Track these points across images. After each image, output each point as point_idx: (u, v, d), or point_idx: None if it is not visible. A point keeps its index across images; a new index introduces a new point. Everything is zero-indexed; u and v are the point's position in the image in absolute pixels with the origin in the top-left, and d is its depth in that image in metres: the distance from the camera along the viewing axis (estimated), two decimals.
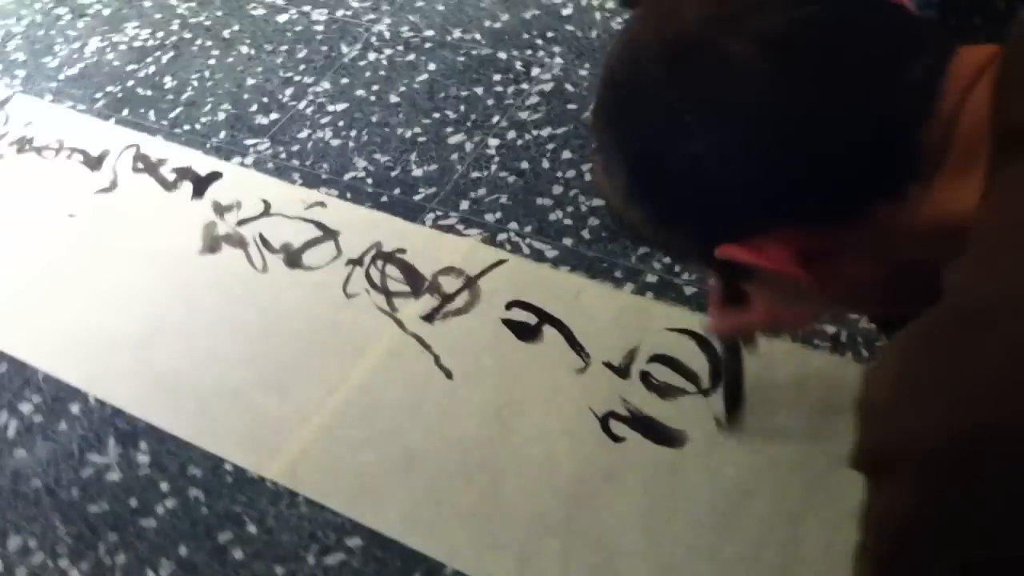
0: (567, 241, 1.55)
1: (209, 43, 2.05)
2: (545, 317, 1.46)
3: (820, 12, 0.66)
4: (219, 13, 2.12)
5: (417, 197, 1.67)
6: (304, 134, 1.82)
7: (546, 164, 1.68)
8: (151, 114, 1.91)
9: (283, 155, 1.79)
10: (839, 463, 1.24)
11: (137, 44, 2.08)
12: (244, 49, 2.02)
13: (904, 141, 0.64)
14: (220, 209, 1.70)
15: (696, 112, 0.67)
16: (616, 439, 1.32)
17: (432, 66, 1.91)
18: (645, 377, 1.37)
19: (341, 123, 1.83)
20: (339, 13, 2.07)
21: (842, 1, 0.68)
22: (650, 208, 0.73)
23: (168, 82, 1.98)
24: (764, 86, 0.65)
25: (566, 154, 1.69)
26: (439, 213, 1.64)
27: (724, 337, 1.25)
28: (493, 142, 1.73)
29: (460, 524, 1.27)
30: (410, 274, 1.56)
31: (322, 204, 1.69)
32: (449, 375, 1.43)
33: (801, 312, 1.09)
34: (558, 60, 1.87)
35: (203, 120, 1.89)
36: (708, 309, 1.15)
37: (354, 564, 1.25)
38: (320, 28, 2.04)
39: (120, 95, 1.97)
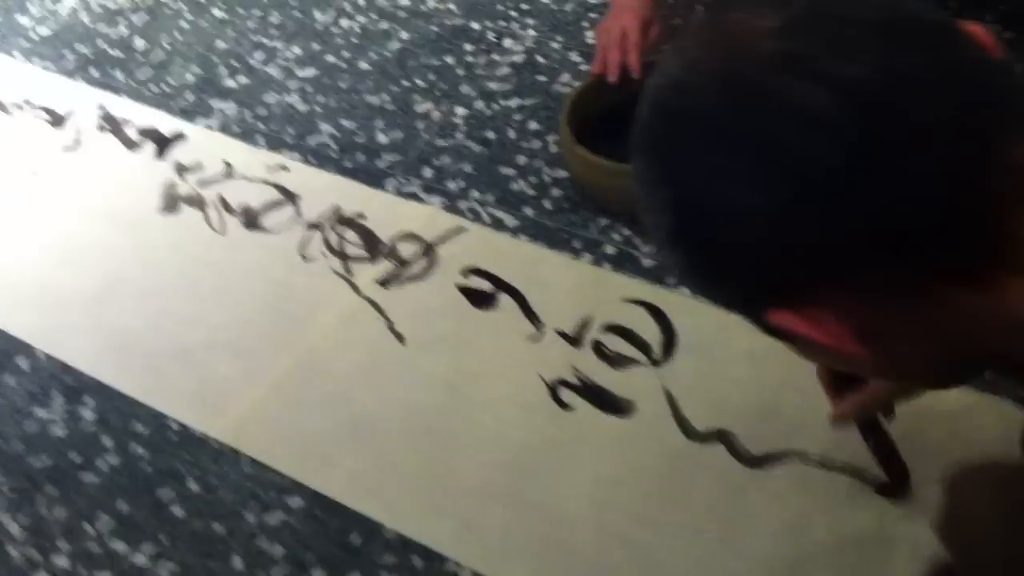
0: (528, 211, 1.54)
1: (183, 6, 2.03)
2: (501, 285, 1.45)
3: (913, 64, 0.59)
4: None
5: (380, 163, 1.66)
6: (272, 98, 1.80)
7: (512, 135, 1.66)
8: (120, 75, 1.90)
9: (249, 118, 1.77)
10: (786, 439, 1.24)
11: (112, 6, 2.06)
12: (217, 13, 2.00)
13: (987, 223, 0.59)
14: (182, 170, 1.69)
15: (759, 160, 0.60)
16: (565, 407, 1.31)
17: (405, 35, 1.89)
18: (597, 346, 1.36)
19: (309, 89, 1.81)
20: None
21: (942, 50, 0.60)
22: (695, 256, 0.67)
23: (139, 43, 1.96)
24: (839, 142, 0.57)
25: (533, 125, 1.67)
26: (401, 180, 1.62)
27: (858, 418, 1.10)
28: (460, 111, 1.72)
29: (404, 488, 1.26)
30: (368, 239, 1.54)
31: (284, 168, 1.67)
32: (402, 340, 1.41)
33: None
34: (531, 32, 1.85)
35: (171, 82, 1.87)
36: (829, 398, 1.05)
37: (293, 524, 1.24)
38: None
39: (91, 55, 1.95)
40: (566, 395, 1.32)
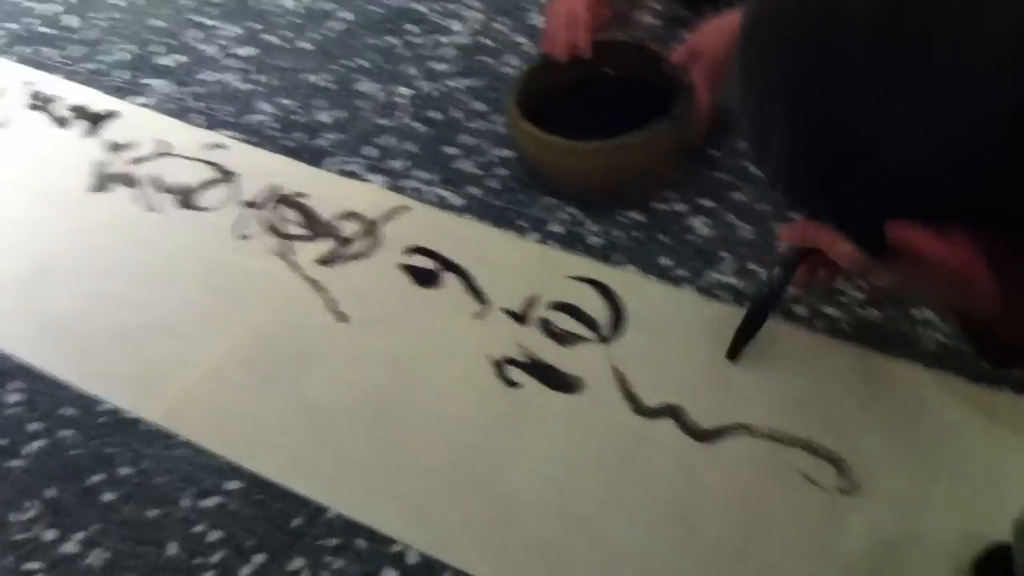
0: (473, 190, 1.51)
1: None
2: (445, 263, 1.42)
3: None
4: None
5: (321, 142, 1.62)
6: (209, 77, 1.76)
7: (457, 115, 1.63)
8: (51, 53, 1.84)
9: (185, 97, 1.72)
10: (736, 413, 1.22)
11: None
12: None
13: None
14: (114, 148, 1.63)
15: (912, 57, 0.52)
16: (512, 385, 1.28)
17: (348, 15, 1.85)
18: (544, 324, 1.33)
19: (249, 68, 1.77)
20: None
21: None
22: (818, 171, 0.61)
23: (72, 21, 1.90)
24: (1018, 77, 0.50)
25: (479, 106, 1.64)
26: (343, 159, 1.58)
27: (790, 254, 1.09)
28: (404, 91, 1.68)
29: (347, 470, 1.22)
30: (309, 218, 1.50)
31: (222, 146, 1.62)
32: (344, 319, 1.38)
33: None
34: (477, 14, 1.82)
35: (104, 60, 1.81)
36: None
37: (231, 507, 1.20)
38: None
39: (22, 33, 1.89)
40: (513, 373, 1.29)
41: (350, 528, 1.17)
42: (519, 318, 1.34)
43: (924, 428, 1.18)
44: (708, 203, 1.44)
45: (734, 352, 1.25)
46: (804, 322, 1.28)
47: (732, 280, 1.34)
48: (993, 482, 1.12)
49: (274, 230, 1.49)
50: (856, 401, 1.21)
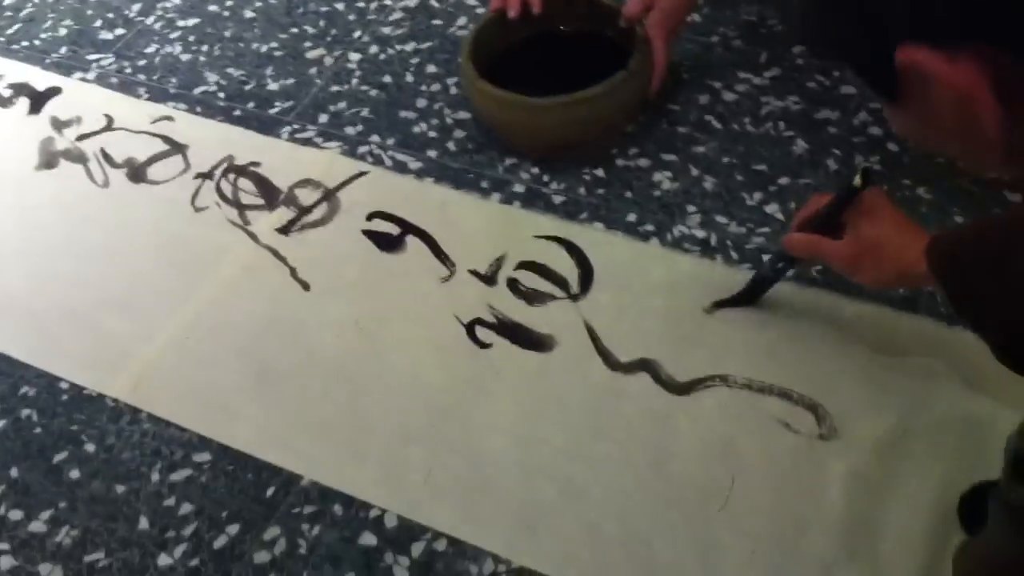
0: (432, 153, 1.49)
1: None
2: (408, 227, 1.39)
3: None
4: None
5: (273, 111, 1.58)
6: (152, 49, 1.71)
7: (410, 78, 1.61)
8: None
9: (128, 70, 1.67)
10: (710, 365, 1.21)
11: None
12: None
13: None
14: (59, 124, 1.58)
15: None
16: (483, 345, 1.26)
17: None
18: (512, 284, 1.31)
19: (192, 38, 1.72)
20: None
21: None
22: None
23: None
24: None
25: (431, 68, 1.62)
26: (296, 127, 1.55)
27: (793, 253, 1.14)
28: (354, 56, 1.65)
29: (318, 436, 1.20)
30: (264, 187, 1.47)
31: (169, 118, 1.58)
32: (306, 287, 1.35)
33: (889, 263, 1.03)
34: None
35: (43, 36, 1.76)
36: (794, 225, 1.13)
37: (202, 479, 1.17)
38: None
39: None
40: (483, 334, 1.27)
41: (326, 495, 1.15)
42: (487, 279, 1.32)
43: (900, 372, 1.18)
44: (670, 157, 1.43)
45: (718, 306, 1.26)
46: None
47: (699, 232, 1.33)
48: (972, 425, 1.12)
49: (229, 200, 1.46)
50: (831, 348, 1.21)
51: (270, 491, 1.16)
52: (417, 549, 1.10)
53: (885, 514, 1.07)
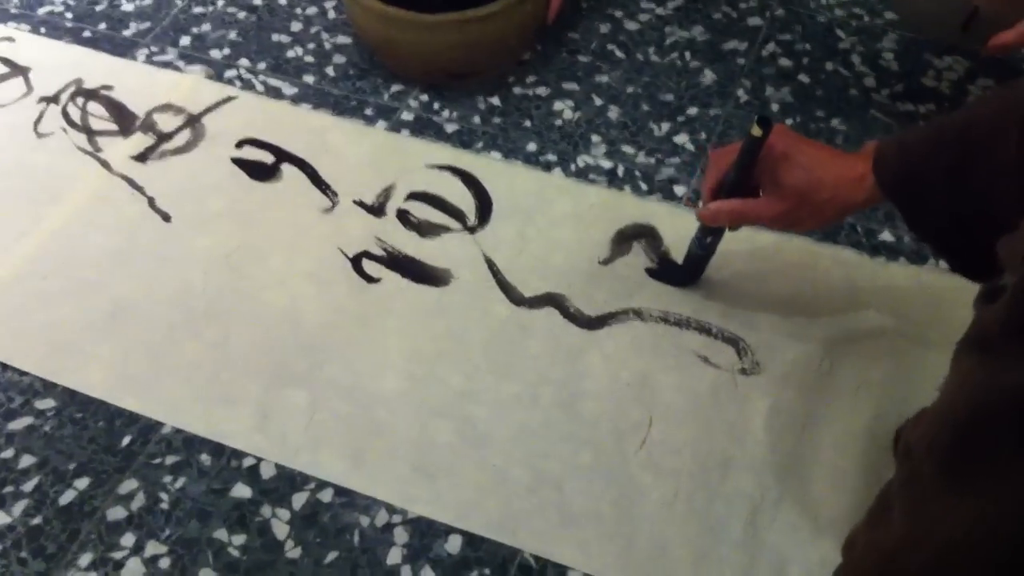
0: (308, 79, 1.35)
1: None
2: (284, 155, 1.25)
3: None
4: None
5: (127, 32, 1.41)
6: None
7: (282, 0, 1.46)
8: None
9: None
10: (622, 299, 1.12)
11: None
12: None
13: None
14: None
15: None
16: (371, 280, 1.13)
17: None
18: (403, 215, 1.19)
19: None
20: None
21: None
22: None
23: None
24: None
25: None
26: (154, 49, 1.39)
27: (715, 225, 1.03)
28: None
29: (183, 379, 1.05)
30: (118, 112, 1.30)
31: (10, 39, 1.40)
32: (167, 219, 1.19)
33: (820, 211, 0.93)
34: None
35: None
36: (703, 197, 1.00)
37: (46, 428, 1.00)
38: None
39: None
40: (371, 267, 1.14)
41: (191, 443, 1.00)
42: (374, 210, 1.20)
43: (822, 304, 1.10)
44: (571, 86, 1.32)
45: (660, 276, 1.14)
46: (687, 204, 1.19)
47: (605, 163, 1.23)
48: (900, 355, 1.06)
49: (77, 126, 1.29)
50: (751, 281, 1.12)
51: (125, 440, 1.00)
52: (299, 501, 0.97)
53: (814, 450, 0.99)
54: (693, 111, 1.29)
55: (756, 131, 0.91)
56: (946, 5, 1.23)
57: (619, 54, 1.36)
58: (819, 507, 0.95)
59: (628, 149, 1.24)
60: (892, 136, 0.88)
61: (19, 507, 0.95)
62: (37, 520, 0.94)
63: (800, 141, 0.94)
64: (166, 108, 1.31)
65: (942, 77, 1.33)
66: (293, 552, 0.93)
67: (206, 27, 1.42)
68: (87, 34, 1.41)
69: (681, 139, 1.26)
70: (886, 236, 1.15)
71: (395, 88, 1.33)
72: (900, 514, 0.55)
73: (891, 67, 1.34)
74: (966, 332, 0.54)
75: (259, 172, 1.24)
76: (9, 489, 0.96)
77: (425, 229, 1.18)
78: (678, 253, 1.13)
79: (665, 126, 1.27)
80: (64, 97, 1.32)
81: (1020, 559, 0.48)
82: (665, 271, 1.13)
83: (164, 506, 0.96)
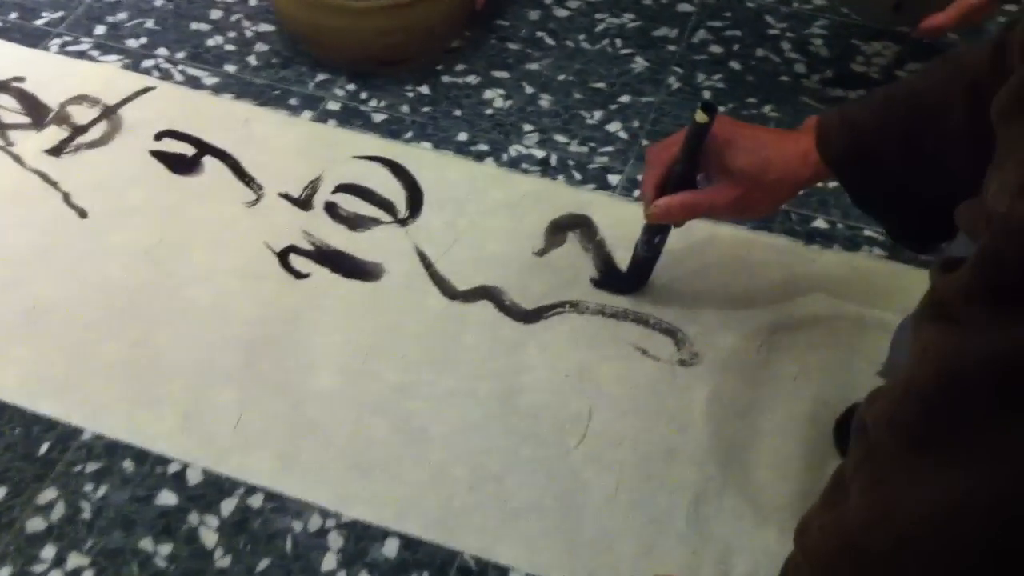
0: (230, 68, 1.30)
1: None
2: (205, 147, 1.21)
3: None
4: None
5: (39, 22, 1.36)
6: None
7: None
8: None
9: None
10: (558, 291, 1.09)
11: None
12: None
13: None
14: None
15: None
16: (299, 275, 1.09)
17: None
18: (331, 208, 1.15)
19: None
20: None
21: None
22: None
23: None
24: None
25: None
26: (68, 38, 1.33)
27: (666, 222, 1.00)
28: None
29: (103, 381, 1.00)
30: (30, 104, 1.25)
31: None
32: (83, 214, 1.14)
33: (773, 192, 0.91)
34: None
35: None
36: (647, 196, 0.96)
37: None
38: None
39: None
40: (298, 262, 1.10)
41: (113, 450, 0.96)
42: (301, 203, 1.16)
43: (759, 293, 1.09)
44: (502, 75, 1.30)
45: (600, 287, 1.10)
46: (622, 193, 1.17)
47: (538, 152, 1.21)
48: (839, 342, 1.05)
49: None
50: (687, 271, 1.10)
51: (44, 447, 0.96)
52: (228, 507, 0.93)
53: (755, 439, 0.98)
54: (625, 99, 1.27)
55: (701, 117, 0.89)
56: None
57: (549, 41, 1.34)
58: (762, 494, 0.94)
59: (561, 138, 1.22)
60: (832, 111, 0.87)
61: None
62: None
63: (741, 125, 0.93)
64: (81, 100, 1.26)
65: (871, 62, 1.33)
66: (223, 561, 0.89)
67: (122, 15, 1.37)
68: None
69: (614, 127, 1.24)
70: (820, 223, 1.15)
71: (320, 77, 1.29)
72: (859, 494, 0.53)
73: (821, 53, 1.33)
74: (920, 305, 0.52)
75: (179, 165, 1.19)
76: None
77: (354, 222, 1.14)
78: (613, 243, 1.11)
79: (598, 114, 1.25)
80: None
81: (991, 531, 0.47)
82: (610, 279, 1.10)
83: (86, 516, 0.92)
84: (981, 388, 0.47)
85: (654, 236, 1.03)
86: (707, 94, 1.27)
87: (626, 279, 1.09)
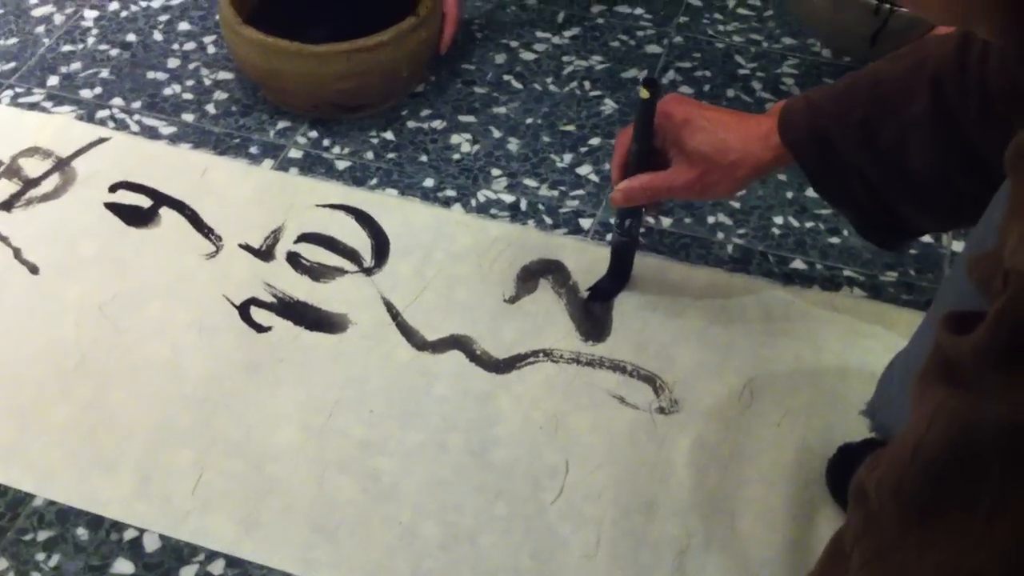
0: (187, 117, 1.26)
1: None
2: (161, 199, 1.17)
3: None
4: None
5: None
6: None
7: (158, 36, 1.38)
8: None
9: None
10: (530, 339, 1.06)
11: None
12: None
13: None
14: None
15: None
16: (260, 329, 1.05)
17: None
18: (293, 258, 1.11)
19: None
20: None
21: None
22: None
23: None
24: None
25: (183, 26, 1.40)
26: (19, 90, 1.29)
27: (629, 205, 0.99)
28: (90, 14, 1.41)
29: (53, 445, 0.95)
30: None
31: None
32: (34, 270, 1.10)
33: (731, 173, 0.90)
34: None
35: None
36: (613, 179, 0.97)
37: None
38: None
39: None
40: (260, 315, 1.06)
41: (65, 516, 0.91)
42: (262, 254, 1.12)
43: (738, 335, 1.05)
44: (468, 119, 1.27)
45: (595, 298, 1.08)
46: (595, 237, 1.14)
47: (507, 197, 1.18)
48: (821, 384, 1.01)
49: None
50: (662, 314, 1.07)
51: None
52: (187, 575, 0.87)
53: (740, 487, 0.94)
54: (595, 141, 1.24)
55: (644, 93, 0.89)
56: (855, 17, 1.21)
57: (516, 84, 1.31)
58: (749, 547, 0.90)
59: (530, 182, 1.19)
60: (799, 95, 0.86)
61: None
62: None
63: (701, 106, 0.92)
64: (32, 152, 1.21)
65: None
66: None
67: (76, 65, 1.33)
68: None
69: (585, 170, 1.21)
70: (798, 264, 1.12)
71: (281, 124, 1.25)
72: (860, 568, 0.49)
73: (792, 92, 1.31)
74: (926, 363, 0.48)
75: (135, 217, 1.15)
76: None
77: (318, 272, 1.10)
78: (587, 288, 1.08)
79: (568, 157, 1.22)
80: None
81: None
82: (599, 289, 1.08)
83: None
84: (996, 458, 0.43)
85: (624, 220, 1.02)
86: None
87: (610, 277, 1.08)
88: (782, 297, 1.09)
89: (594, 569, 0.88)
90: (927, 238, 1.13)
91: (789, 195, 1.18)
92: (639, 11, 1.42)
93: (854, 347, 1.04)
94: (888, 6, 1.19)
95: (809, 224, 1.15)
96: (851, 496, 0.52)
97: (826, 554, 0.54)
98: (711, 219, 1.15)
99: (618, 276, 1.08)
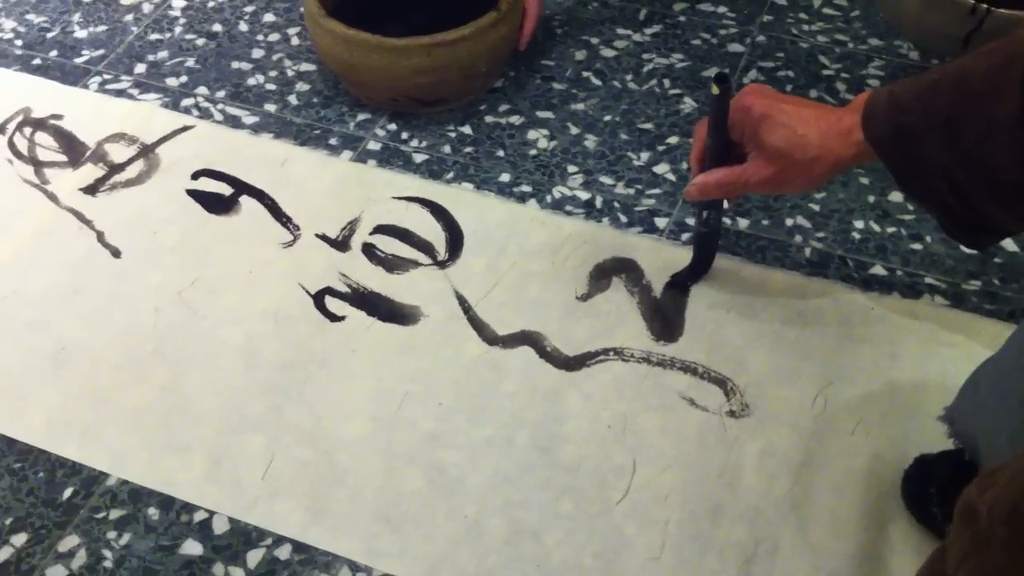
0: (270, 107, 1.28)
1: None
2: (242, 187, 1.19)
3: None
4: None
5: (80, 60, 1.35)
6: None
7: (244, 27, 1.40)
8: None
9: None
10: (601, 337, 1.05)
11: None
12: None
13: None
14: None
15: None
16: (334, 318, 1.06)
17: None
18: (368, 250, 1.12)
19: None
20: None
21: None
22: None
23: None
24: None
25: (268, 17, 1.41)
26: (107, 77, 1.32)
27: (706, 199, 0.98)
28: (178, 3, 1.44)
29: (130, 426, 0.97)
30: (67, 142, 1.24)
31: None
32: (117, 254, 1.12)
33: (809, 170, 0.88)
34: None
35: None
36: (693, 171, 0.97)
37: None
38: None
39: None
40: (334, 305, 1.07)
41: (138, 496, 0.92)
42: (338, 244, 1.13)
43: (814, 341, 1.04)
44: (546, 115, 1.26)
45: (674, 287, 1.08)
46: (670, 236, 1.13)
47: (582, 194, 1.17)
48: (897, 393, 0.99)
49: (23, 157, 1.22)
50: (736, 316, 1.06)
51: (67, 492, 0.92)
52: (254, 558, 0.89)
53: (810, 496, 0.92)
54: (673, 140, 1.23)
55: (714, 89, 0.88)
56: (948, 18, 1.18)
57: (595, 81, 1.30)
58: (819, 556, 0.88)
59: (606, 180, 1.18)
60: (882, 88, 0.83)
61: None
62: None
63: (781, 99, 0.89)
64: (118, 138, 1.24)
65: None
66: None
67: (163, 54, 1.35)
68: (37, 62, 1.34)
69: (661, 169, 1.20)
70: (878, 270, 1.09)
71: (361, 117, 1.26)
72: None
73: None
74: None
75: (216, 204, 1.17)
76: None
77: (392, 264, 1.11)
78: (660, 288, 1.07)
79: (645, 155, 1.21)
80: (10, 127, 1.25)
81: None
82: (681, 276, 1.08)
83: (108, 564, 0.88)
84: None
85: (702, 212, 1.02)
86: None
87: (692, 264, 1.08)
88: (861, 303, 1.07)
89: (659, 571, 0.87)
90: (1013, 247, 1.10)
91: (871, 199, 1.16)
92: (722, 9, 1.41)
93: (934, 356, 1.02)
94: (985, 6, 1.16)
95: (891, 229, 1.13)
96: (958, 515, 0.50)
97: (926, 571, 0.52)
98: (789, 221, 1.14)
99: (697, 266, 1.08)
